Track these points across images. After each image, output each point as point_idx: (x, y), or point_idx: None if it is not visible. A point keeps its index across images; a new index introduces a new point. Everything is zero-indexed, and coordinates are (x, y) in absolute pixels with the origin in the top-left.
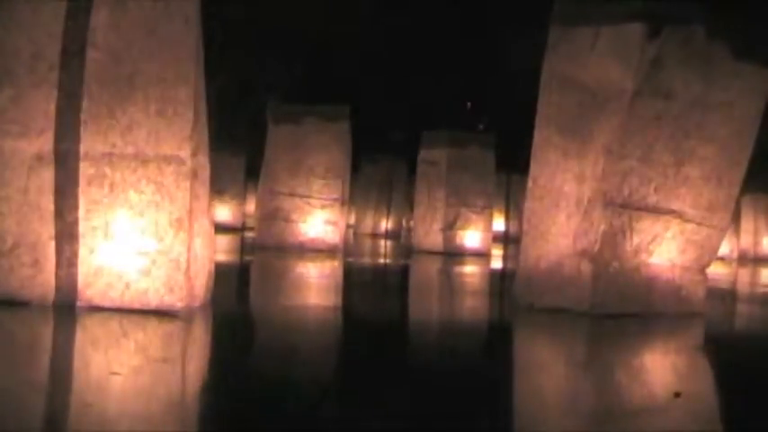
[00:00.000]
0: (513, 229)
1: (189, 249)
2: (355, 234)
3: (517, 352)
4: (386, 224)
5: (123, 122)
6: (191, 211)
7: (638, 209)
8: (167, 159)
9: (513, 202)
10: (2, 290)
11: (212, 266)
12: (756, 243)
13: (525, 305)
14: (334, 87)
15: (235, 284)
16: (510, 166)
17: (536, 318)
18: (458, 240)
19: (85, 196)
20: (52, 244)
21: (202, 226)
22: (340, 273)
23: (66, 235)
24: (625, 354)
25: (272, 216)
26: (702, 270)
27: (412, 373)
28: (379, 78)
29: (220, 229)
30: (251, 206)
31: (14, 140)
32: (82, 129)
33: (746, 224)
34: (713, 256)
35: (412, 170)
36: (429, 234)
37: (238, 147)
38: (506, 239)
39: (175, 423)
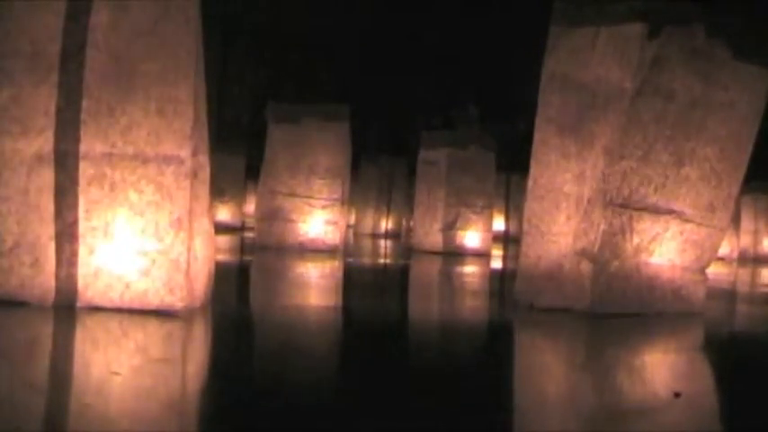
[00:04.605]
0: (513, 229)
1: (189, 249)
2: (355, 234)
3: (517, 351)
4: (386, 224)
5: (123, 122)
6: (191, 211)
7: (638, 209)
8: (167, 159)
9: (513, 202)
10: (2, 290)
11: (212, 266)
12: (756, 243)
13: (525, 305)
14: (333, 87)
15: (235, 284)
16: (510, 166)
17: (536, 317)
18: (458, 240)
19: (85, 196)
20: (52, 244)
21: (202, 226)
22: (340, 273)
23: (66, 235)
24: (625, 353)
25: (272, 216)
26: (702, 270)
27: (412, 373)
28: (378, 78)
29: (220, 229)
30: (251, 206)
31: (14, 140)
32: (82, 129)
33: (746, 224)
34: (713, 256)
35: (412, 170)
36: (429, 234)
37: (238, 147)
38: (506, 239)
39: (175, 423)
